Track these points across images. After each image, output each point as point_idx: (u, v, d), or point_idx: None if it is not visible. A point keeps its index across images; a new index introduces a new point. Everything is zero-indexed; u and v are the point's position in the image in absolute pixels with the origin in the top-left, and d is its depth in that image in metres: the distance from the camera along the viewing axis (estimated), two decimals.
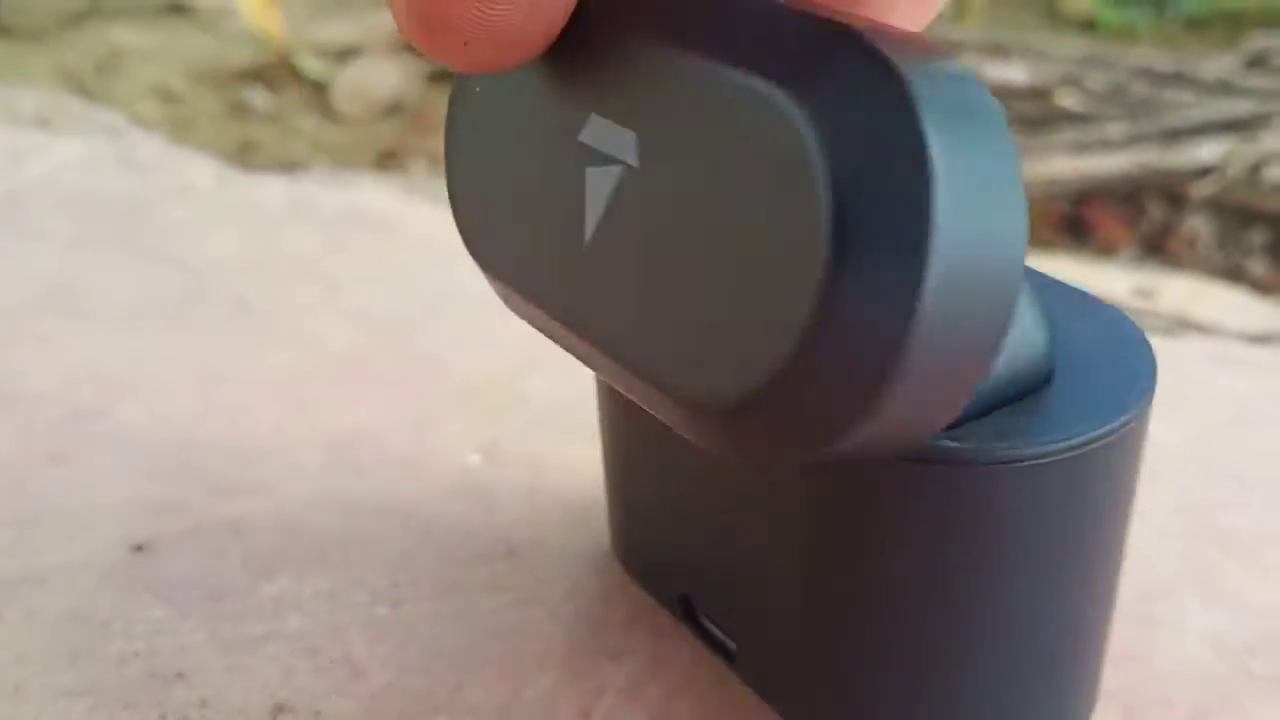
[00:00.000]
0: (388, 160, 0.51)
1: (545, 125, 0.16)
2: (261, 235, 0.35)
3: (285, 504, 0.25)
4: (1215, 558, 0.26)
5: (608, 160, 0.15)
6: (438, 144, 0.53)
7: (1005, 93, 0.56)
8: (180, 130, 0.51)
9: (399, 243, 0.35)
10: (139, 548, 0.23)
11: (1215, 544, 0.26)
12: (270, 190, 0.38)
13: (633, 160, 0.15)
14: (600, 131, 0.15)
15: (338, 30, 0.60)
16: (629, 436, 0.21)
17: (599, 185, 0.15)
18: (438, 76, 0.59)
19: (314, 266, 0.33)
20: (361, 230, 0.36)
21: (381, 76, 0.56)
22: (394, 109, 0.56)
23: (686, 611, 0.22)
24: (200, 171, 0.39)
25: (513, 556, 0.24)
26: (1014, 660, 0.19)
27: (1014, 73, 0.56)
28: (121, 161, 0.38)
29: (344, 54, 0.59)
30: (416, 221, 0.37)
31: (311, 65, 0.58)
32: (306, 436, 0.27)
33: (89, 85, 0.55)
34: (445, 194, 0.40)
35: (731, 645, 0.21)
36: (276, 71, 0.58)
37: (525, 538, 0.25)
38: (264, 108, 0.54)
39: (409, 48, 0.58)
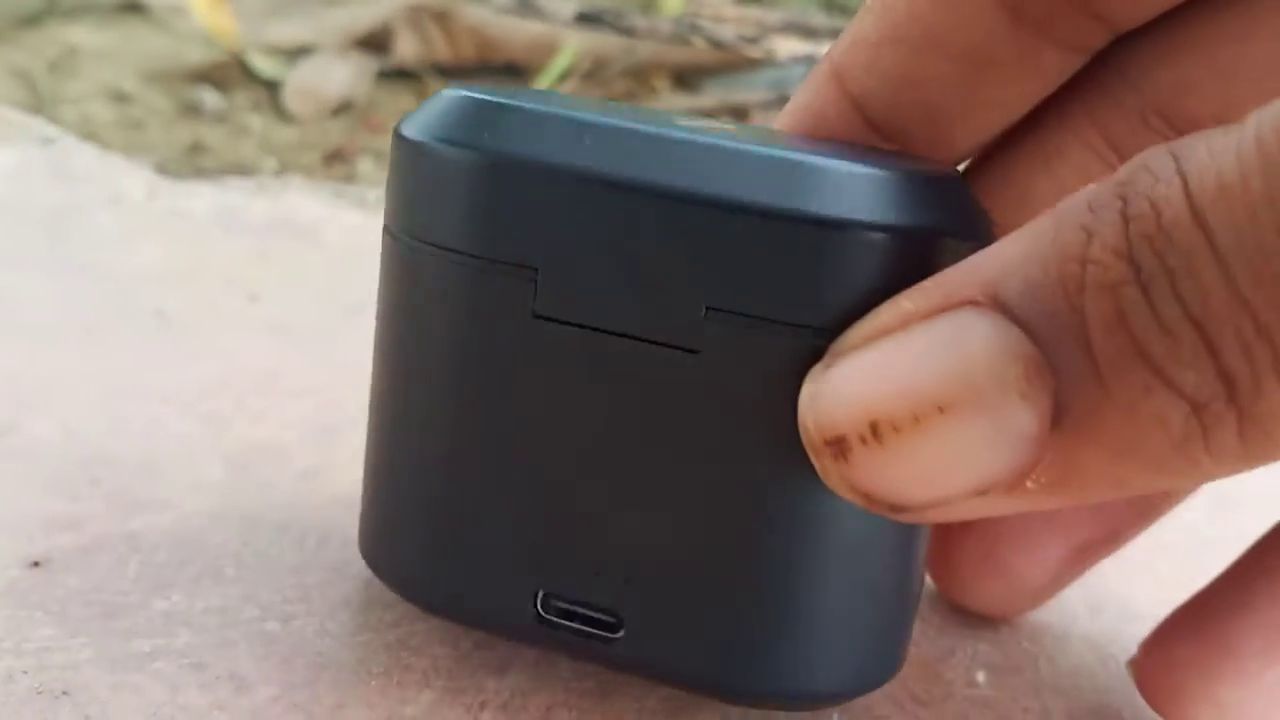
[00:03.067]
0: (335, 159, 0.51)
1: None
2: (187, 246, 0.35)
3: (186, 518, 0.25)
4: (1106, 565, 0.26)
5: None
6: (384, 143, 0.53)
7: None
8: (130, 131, 0.51)
9: (322, 251, 0.36)
10: (36, 564, 0.24)
11: None
12: (199, 199, 0.38)
13: None
14: None
15: (291, 29, 0.60)
16: (454, 450, 0.20)
17: None
18: (387, 75, 0.59)
19: (236, 277, 0.34)
20: (286, 239, 0.36)
21: (332, 75, 0.56)
22: (343, 108, 0.56)
23: (544, 609, 0.20)
24: (131, 181, 0.39)
25: None
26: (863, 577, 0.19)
27: None
28: (53, 171, 0.39)
29: (297, 53, 0.59)
30: (340, 228, 0.37)
31: (263, 65, 0.58)
32: (213, 450, 0.27)
33: (41, 86, 0.55)
34: (370, 199, 0.40)
35: (612, 623, 0.19)
36: (228, 71, 0.58)
37: None
38: (214, 108, 0.54)
39: (360, 46, 0.58)
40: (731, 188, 0.17)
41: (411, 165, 0.19)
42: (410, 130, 0.19)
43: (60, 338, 0.31)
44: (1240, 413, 0.13)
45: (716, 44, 0.51)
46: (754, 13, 0.52)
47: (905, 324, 0.15)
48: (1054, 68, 0.20)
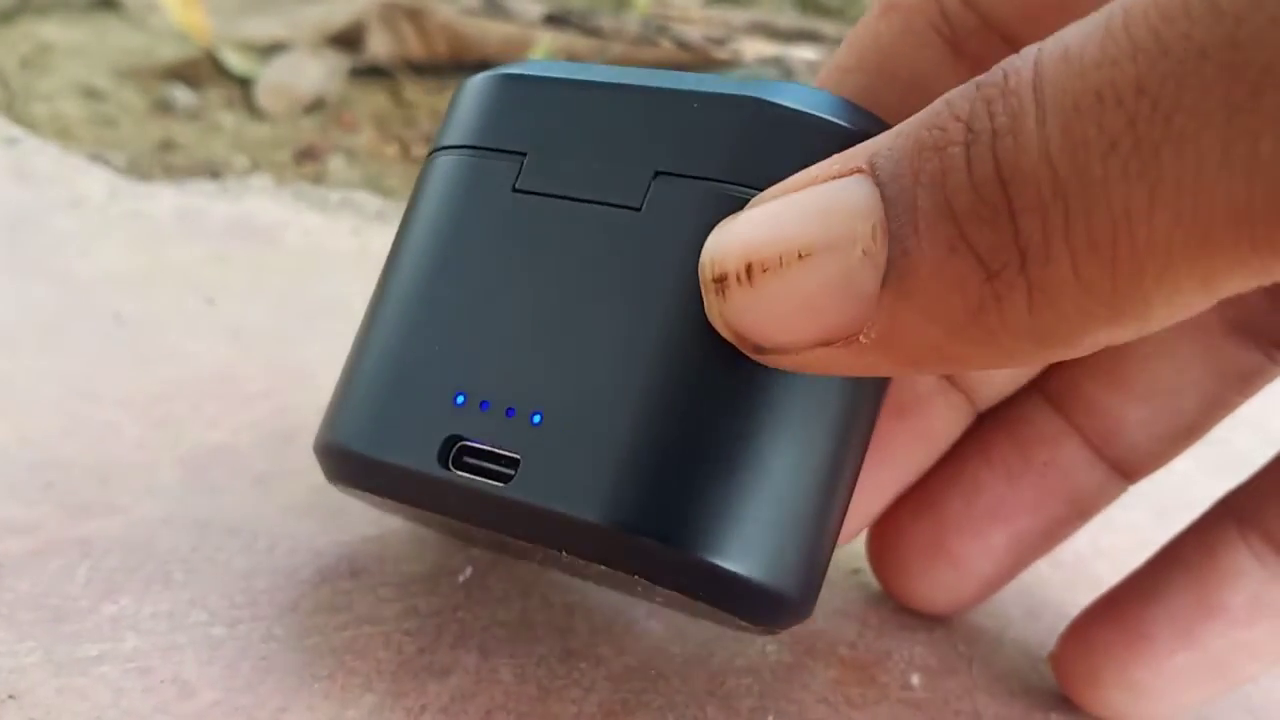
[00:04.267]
0: (306, 157, 0.51)
1: None
2: (145, 248, 0.35)
3: (138, 523, 0.26)
4: (1043, 568, 0.27)
5: None
6: (355, 140, 0.53)
7: None
8: (101, 128, 0.51)
9: (280, 254, 0.36)
10: None
11: (1045, 556, 0.27)
12: (160, 201, 0.39)
13: None
14: None
15: (264, 26, 0.60)
16: (411, 313, 0.21)
17: None
18: (360, 73, 0.59)
19: (194, 280, 0.34)
20: (245, 241, 0.36)
21: (304, 73, 0.57)
22: (316, 105, 0.56)
23: (452, 460, 0.20)
24: (92, 182, 0.39)
25: (355, 576, 0.25)
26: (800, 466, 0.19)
27: None
28: (13, 172, 0.39)
29: (269, 50, 0.59)
30: (301, 231, 0.37)
31: (236, 61, 0.58)
32: (167, 454, 0.28)
33: (13, 83, 0.55)
34: (333, 201, 0.40)
35: (509, 474, 0.19)
36: (201, 68, 0.58)
37: (369, 557, 0.25)
38: (186, 105, 0.55)
39: (333, 43, 0.58)
40: (689, 84, 0.20)
41: (457, 99, 0.23)
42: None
43: (16, 340, 0.31)
44: (1030, 283, 0.14)
45: (683, 45, 0.51)
46: (720, 14, 0.53)
47: (807, 185, 0.17)
48: None
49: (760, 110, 0.19)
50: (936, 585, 0.24)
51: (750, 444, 0.19)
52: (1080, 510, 0.24)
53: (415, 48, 0.59)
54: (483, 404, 0.20)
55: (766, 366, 0.18)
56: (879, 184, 0.15)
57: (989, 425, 0.24)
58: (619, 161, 0.20)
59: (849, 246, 0.15)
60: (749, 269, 0.17)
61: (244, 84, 0.57)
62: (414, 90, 0.59)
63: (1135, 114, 0.13)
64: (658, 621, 0.24)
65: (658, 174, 0.20)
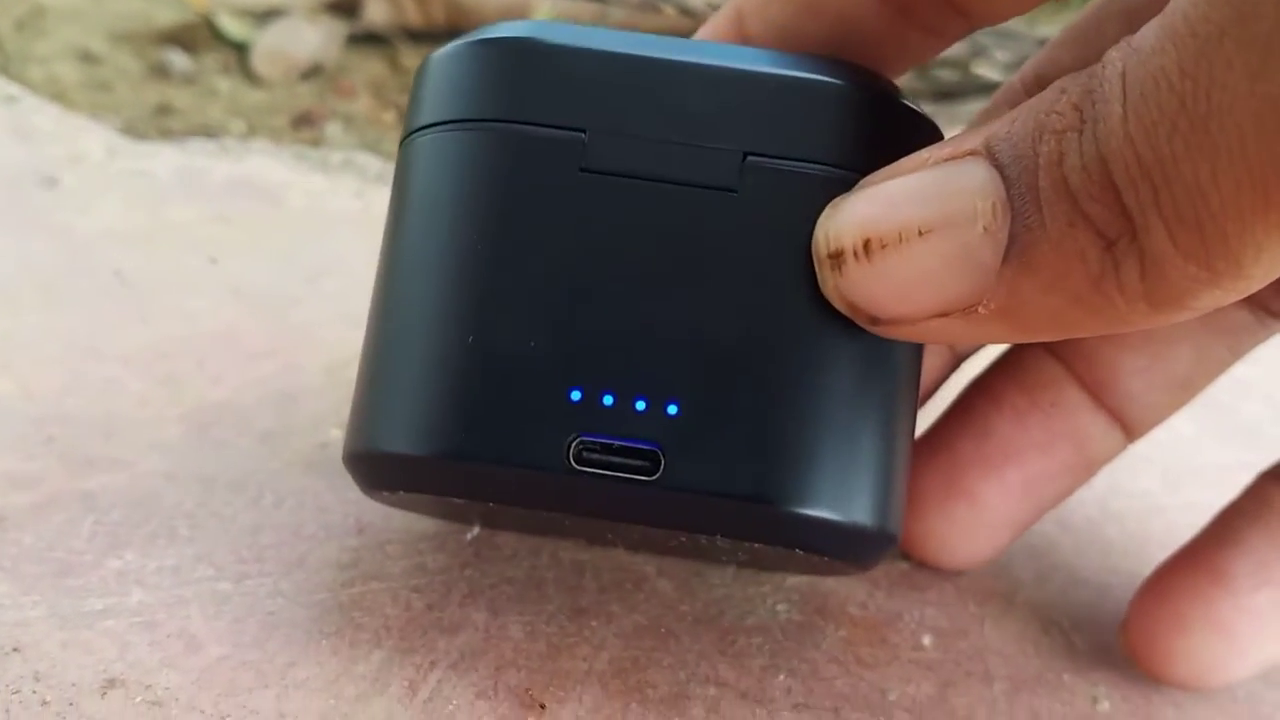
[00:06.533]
0: (303, 123, 0.51)
1: None
2: (146, 207, 0.35)
3: (142, 478, 0.25)
4: (1053, 532, 0.27)
5: None
6: (353, 107, 0.53)
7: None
8: (97, 92, 0.51)
9: (282, 214, 0.35)
10: None
11: (1054, 519, 0.27)
12: (160, 160, 0.38)
13: None
14: None
15: None
16: (486, 302, 0.19)
17: None
18: (357, 39, 0.58)
19: (196, 239, 0.34)
20: (246, 201, 0.36)
21: (301, 38, 0.56)
22: (313, 71, 0.55)
23: (578, 450, 0.19)
24: (92, 141, 0.39)
25: (361, 533, 0.25)
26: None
27: None
28: (13, 130, 0.38)
29: (266, 16, 0.59)
30: (304, 192, 0.37)
31: (232, 27, 0.57)
32: (170, 410, 0.27)
33: (9, 46, 0.55)
34: (334, 162, 0.40)
35: (644, 458, 0.19)
36: (197, 33, 0.57)
37: (375, 514, 0.25)
38: (183, 70, 0.54)
39: (330, 9, 0.57)
40: (764, 64, 0.20)
41: (452, 69, 0.21)
42: (479, 36, 0.21)
43: (18, 297, 0.30)
44: (1141, 251, 0.15)
45: (686, 12, 0.51)
46: None
47: (919, 168, 0.18)
48: (919, 47, 0.22)
49: (847, 94, 0.19)
50: (953, 525, 0.24)
51: (879, 414, 0.20)
52: (1086, 458, 0.24)
53: (413, 15, 0.59)
54: (604, 398, 0.19)
55: (883, 338, 0.19)
56: (998, 165, 0.16)
57: (995, 374, 0.25)
58: (701, 141, 0.20)
59: (969, 223, 0.16)
60: (867, 245, 0.18)
61: (240, 49, 0.57)
62: (411, 57, 0.58)
63: (1184, 95, 0.14)
64: (668, 580, 0.24)
65: (747, 155, 0.19)
